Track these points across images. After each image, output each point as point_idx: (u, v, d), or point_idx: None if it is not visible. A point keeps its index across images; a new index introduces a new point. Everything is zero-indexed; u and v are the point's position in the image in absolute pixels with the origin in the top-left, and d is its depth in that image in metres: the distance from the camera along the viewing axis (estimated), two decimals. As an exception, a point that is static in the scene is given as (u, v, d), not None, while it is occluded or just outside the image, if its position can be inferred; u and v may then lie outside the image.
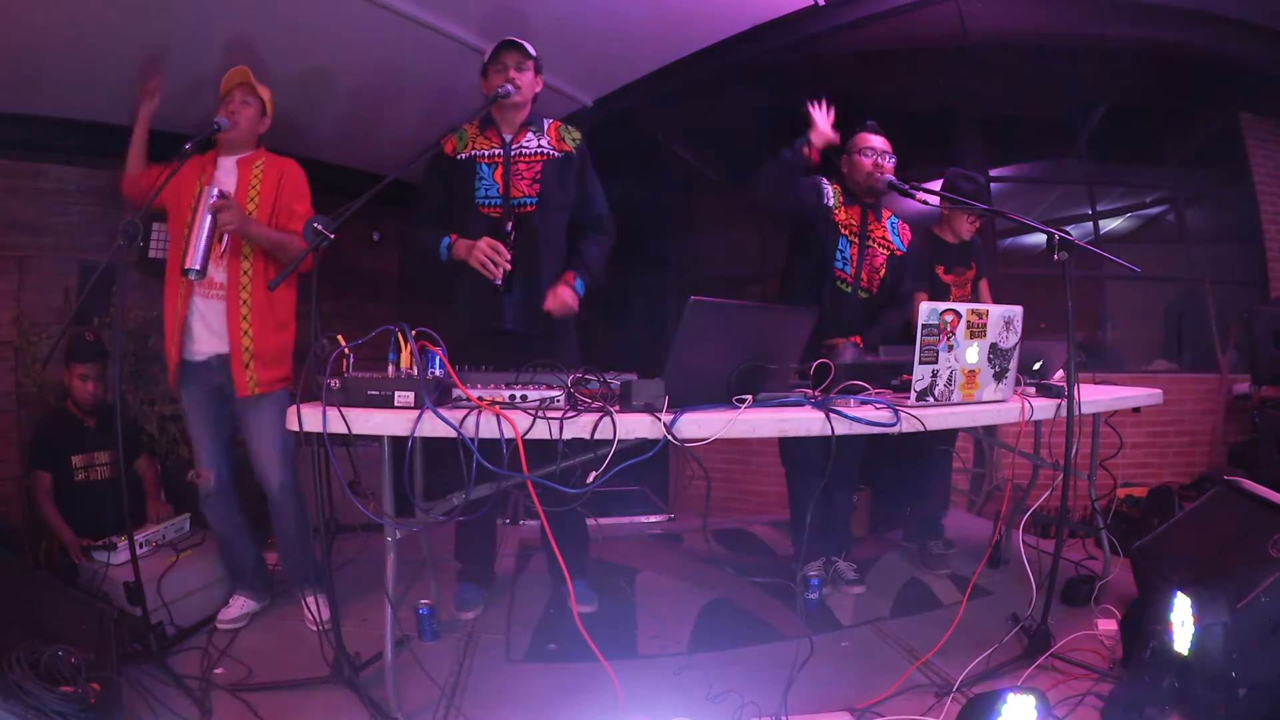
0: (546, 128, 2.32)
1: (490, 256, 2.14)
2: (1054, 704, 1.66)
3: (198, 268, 2.06)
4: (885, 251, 2.62)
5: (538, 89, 2.31)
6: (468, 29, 3.19)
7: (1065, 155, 4.75)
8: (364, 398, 1.50)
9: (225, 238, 2.16)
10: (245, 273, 2.20)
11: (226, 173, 2.26)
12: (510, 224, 2.21)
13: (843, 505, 2.76)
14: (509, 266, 2.15)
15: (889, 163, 2.52)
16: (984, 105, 4.34)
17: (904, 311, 2.63)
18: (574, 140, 2.33)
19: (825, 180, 2.60)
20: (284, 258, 2.19)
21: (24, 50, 2.90)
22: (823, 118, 2.37)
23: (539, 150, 2.27)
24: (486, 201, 2.24)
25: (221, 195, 2.10)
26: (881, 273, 2.61)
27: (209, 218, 2.08)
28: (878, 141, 2.55)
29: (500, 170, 2.24)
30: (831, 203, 2.56)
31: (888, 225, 2.65)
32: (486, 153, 2.26)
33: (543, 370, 1.73)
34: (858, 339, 2.49)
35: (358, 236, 4.64)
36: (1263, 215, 4.46)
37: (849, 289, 2.57)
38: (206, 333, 2.21)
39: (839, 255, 2.54)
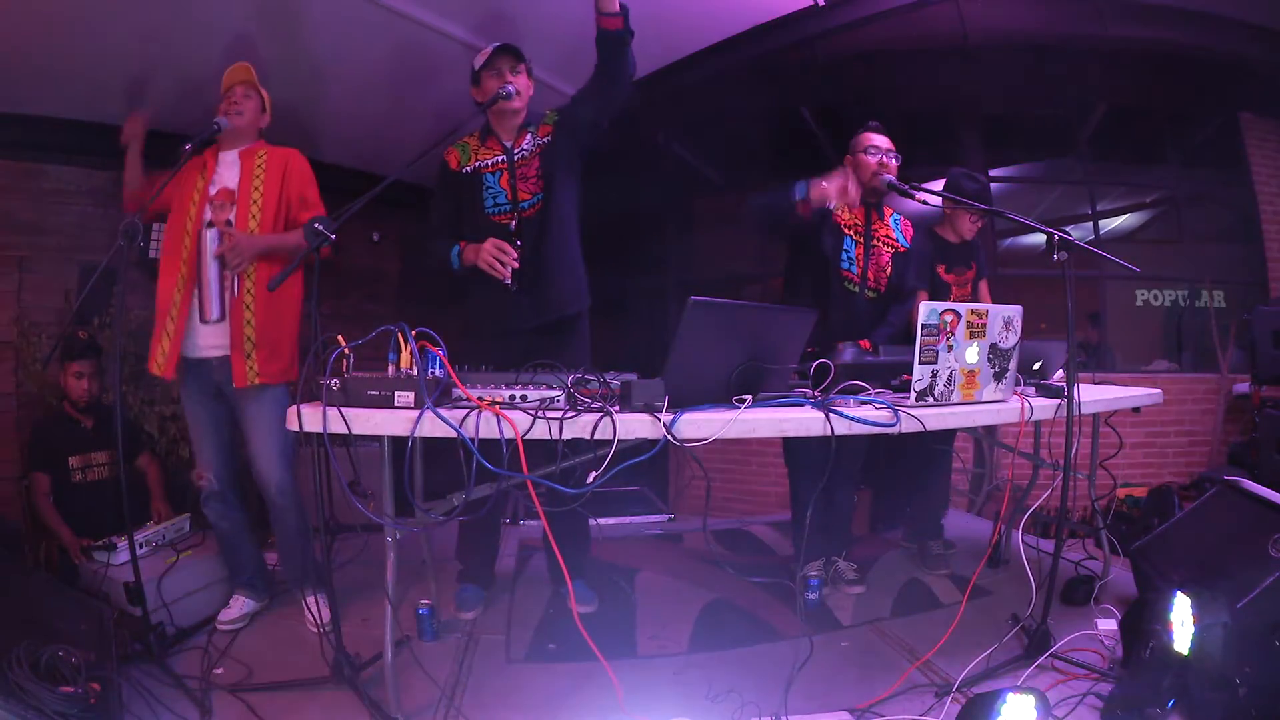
0: (539, 126, 2.32)
1: (497, 256, 2.14)
2: (1054, 704, 1.66)
3: (217, 316, 2.14)
4: (890, 249, 2.61)
5: (531, 92, 2.32)
6: (467, 30, 3.19)
7: (1065, 155, 4.75)
8: (364, 398, 1.50)
9: (237, 278, 2.18)
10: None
11: (229, 166, 2.26)
12: (514, 223, 2.21)
13: (843, 505, 2.76)
14: (516, 265, 2.16)
15: (893, 161, 2.52)
16: (984, 105, 4.34)
17: (908, 307, 2.63)
18: (554, 115, 2.31)
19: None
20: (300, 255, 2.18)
21: (24, 50, 2.90)
22: (837, 183, 2.26)
23: (535, 145, 2.28)
24: (496, 210, 2.25)
25: (222, 235, 2.13)
26: (888, 271, 2.60)
27: (215, 265, 2.14)
28: (881, 141, 2.55)
29: (505, 177, 2.25)
30: (832, 205, 2.55)
31: (891, 223, 2.65)
32: (490, 162, 2.27)
33: (543, 370, 1.73)
34: (865, 343, 2.48)
35: (358, 236, 4.64)
36: (1263, 215, 4.45)
37: (856, 289, 2.56)
38: (207, 324, 2.19)
39: (844, 255, 2.54)
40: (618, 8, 2.04)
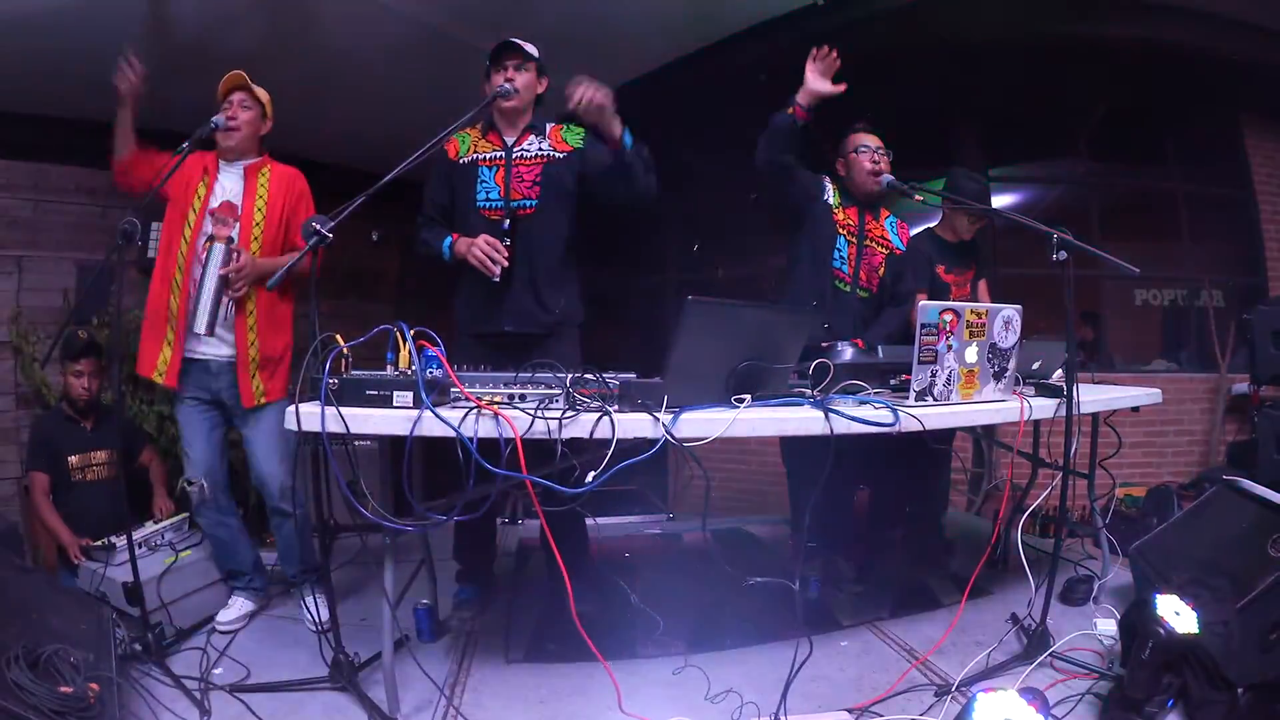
0: (549, 131, 2.30)
1: (487, 253, 2.12)
2: (1053, 704, 1.66)
3: (203, 331, 2.12)
4: (884, 251, 2.62)
5: (540, 90, 2.29)
6: (470, 29, 3.18)
7: (1065, 155, 4.75)
8: (362, 397, 1.50)
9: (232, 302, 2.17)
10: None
11: (233, 180, 2.25)
12: (508, 222, 2.20)
13: (843, 504, 2.75)
14: (506, 263, 2.15)
15: (885, 159, 2.52)
16: (984, 105, 4.34)
17: (904, 310, 2.63)
18: (577, 138, 2.29)
19: (827, 179, 2.60)
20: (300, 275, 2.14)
21: (25, 50, 2.90)
22: (817, 71, 2.26)
23: (540, 153, 2.25)
24: (487, 204, 2.23)
25: (230, 251, 2.12)
26: (880, 271, 2.61)
27: (217, 280, 2.12)
28: (871, 140, 2.56)
29: (501, 173, 2.23)
30: (832, 201, 2.56)
31: (886, 224, 2.65)
32: (488, 155, 2.26)
33: (542, 370, 1.72)
34: (859, 342, 2.48)
35: (357, 236, 4.64)
36: (1263, 215, 4.45)
37: (848, 288, 2.57)
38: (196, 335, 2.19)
39: (836, 254, 2.54)
40: (616, 134, 2.07)
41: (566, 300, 2.30)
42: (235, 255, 2.13)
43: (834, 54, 2.25)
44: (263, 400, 2.23)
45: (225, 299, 2.16)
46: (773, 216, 2.72)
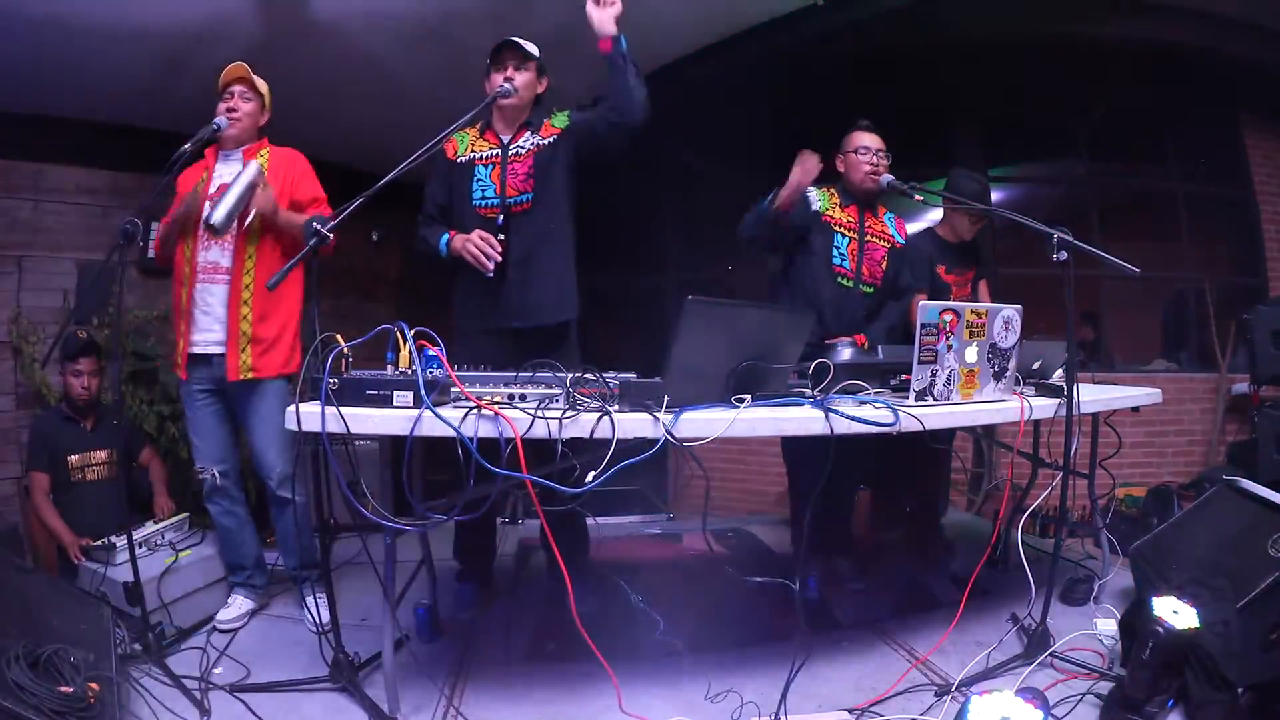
0: (542, 126, 2.31)
1: (481, 248, 2.12)
2: (1053, 704, 1.67)
3: (215, 221, 2.05)
4: (885, 245, 2.63)
5: (540, 90, 2.30)
6: (470, 29, 3.18)
7: (1065, 155, 4.75)
8: (362, 397, 1.50)
9: (249, 216, 2.13)
10: (250, 256, 2.20)
11: (231, 165, 2.25)
12: (502, 218, 2.20)
13: (843, 504, 2.76)
14: (500, 258, 2.15)
15: (884, 161, 2.53)
16: (984, 105, 4.34)
17: (904, 304, 2.64)
18: (563, 119, 2.29)
19: (811, 188, 2.60)
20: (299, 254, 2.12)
21: (25, 50, 2.90)
22: (796, 176, 2.36)
23: (532, 145, 2.26)
24: (483, 203, 2.24)
25: (262, 173, 2.12)
26: (883, 265, 2.62)
27: (246, 185, 2.08)
28: (871, 140, 2.56)
29: (497, 171, 2.24)
30: (819, 207, 2.57)
31: (885, 220, 2.66)
32: (484, 154, 2.26)
33: (542, 370, 1.72)
34: (861, 338, 2.49)
35: (358, 236, 4.64)
36: (1262, 215, 4.45)
37: (850, 284, 2.57)
38: (207, 319, 2.20)
39: (836, 252, 2.55)
40: (611, 31, 2.07)
41: (564, 295, 2.29)
42: (263, 183, 2.13)
43: (817, 158, 2.37)
44: (250, 375, 2.20)
45: (245, 212, 2.12)
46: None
